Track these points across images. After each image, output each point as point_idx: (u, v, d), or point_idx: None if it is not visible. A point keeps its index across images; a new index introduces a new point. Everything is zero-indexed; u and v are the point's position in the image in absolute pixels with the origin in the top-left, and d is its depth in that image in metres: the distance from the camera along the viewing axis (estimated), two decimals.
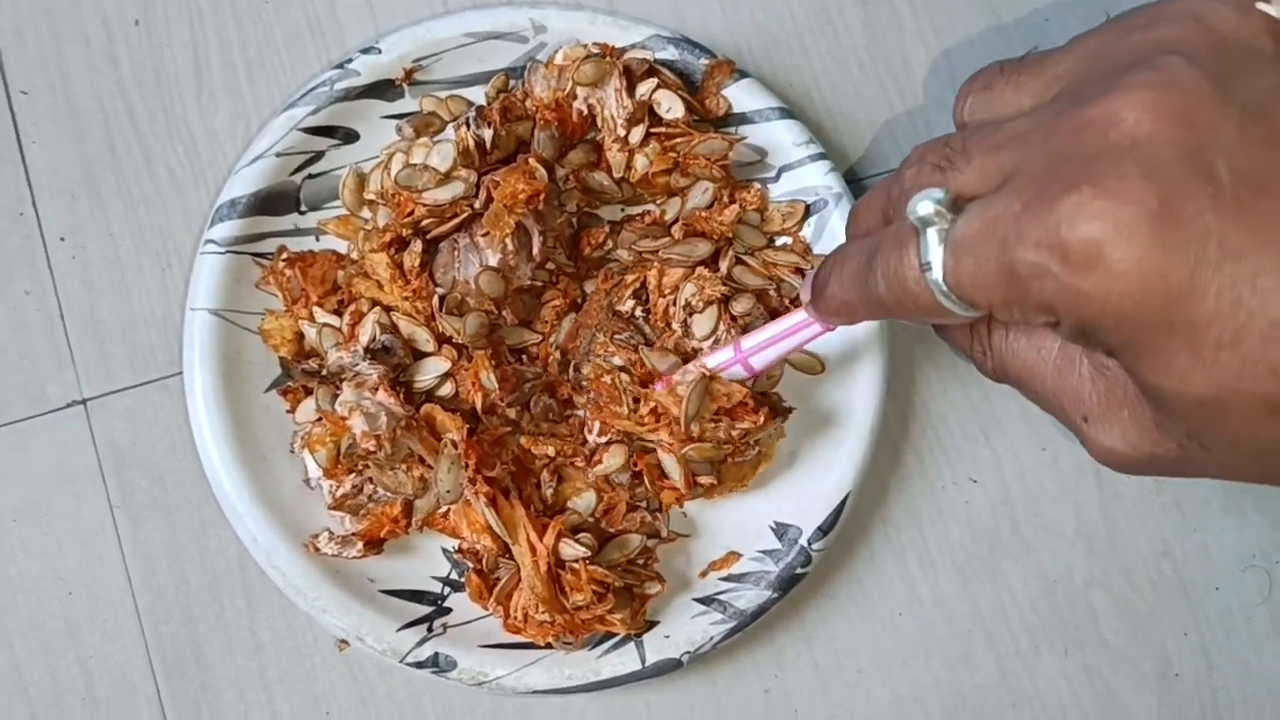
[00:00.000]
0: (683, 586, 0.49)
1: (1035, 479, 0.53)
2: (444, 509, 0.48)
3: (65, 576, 0.50)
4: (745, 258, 0.50)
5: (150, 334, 0.51)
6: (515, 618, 0.47)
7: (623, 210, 0.51)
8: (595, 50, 0.49)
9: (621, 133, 0.49)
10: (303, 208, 0.50)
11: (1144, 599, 0.53)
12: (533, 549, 0.46)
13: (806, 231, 0.51)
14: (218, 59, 0.52)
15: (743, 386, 0.46)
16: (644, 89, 0.49)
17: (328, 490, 0.48)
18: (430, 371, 0.48)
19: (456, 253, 0.48)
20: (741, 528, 0.50)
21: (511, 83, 0.50)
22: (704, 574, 0.50)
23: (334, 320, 0.48)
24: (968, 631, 0.52)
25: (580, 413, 0.49)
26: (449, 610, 0.49)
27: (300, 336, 0.49)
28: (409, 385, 0.48)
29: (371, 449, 0.45)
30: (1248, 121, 0.30)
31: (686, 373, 0.46)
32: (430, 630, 0.48)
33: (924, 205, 0.34)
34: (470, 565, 0.48)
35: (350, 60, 0.49)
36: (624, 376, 0.47)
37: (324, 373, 0.47)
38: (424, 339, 0.48)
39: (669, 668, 0.48)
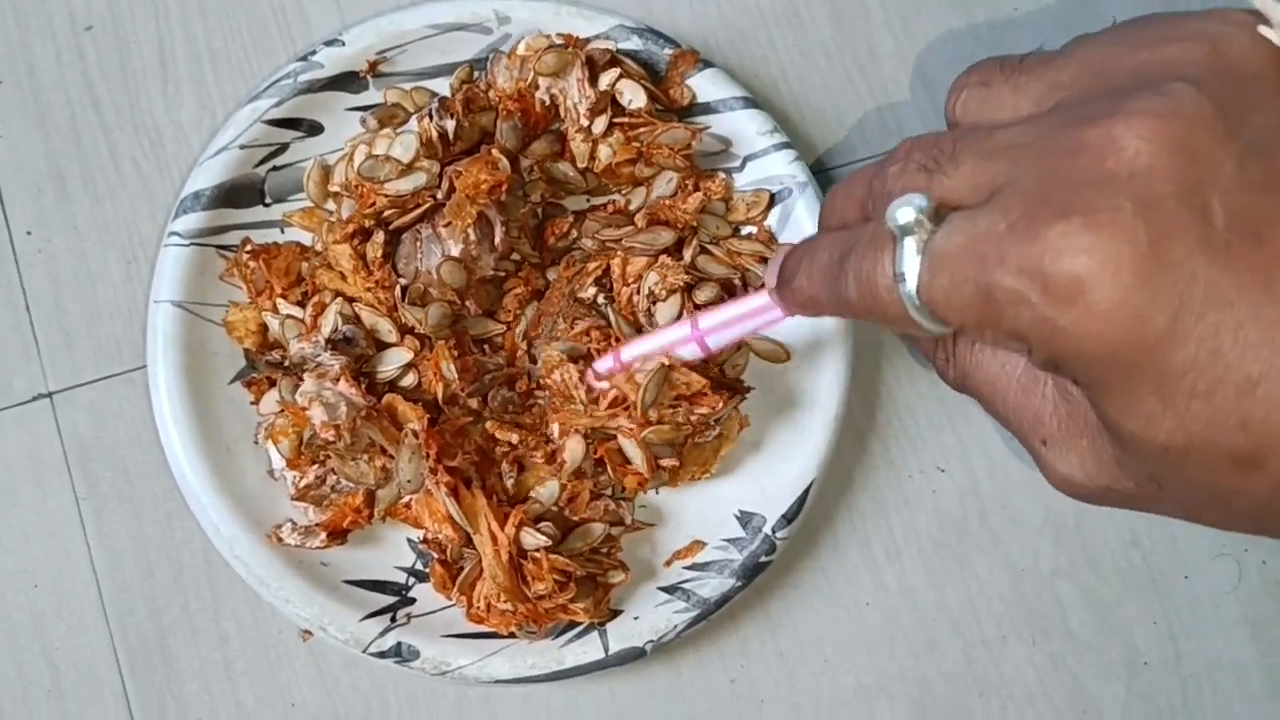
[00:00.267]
0: (647, 575, 0.49)
1: (1003, 469, 0.53)
2: (406, 499, 0.48)
3: (31, 569, 0.50)
4: (710, 247, 0.50)
5: (115, 327, 0.51)
6: (478, 607, 0.47)
7: (588, 200, 0.51)
8: (558, 41, 0.49)
9: (585, 123, 0.49)
10: (267, 200, 0.50)
11: (1112, 588, 0.53)
12: (494, 538, 0.46)
13: (771, 221, 0.51)
14: (183, 52, 0.52)
15: (702, 378, 0.45)
16: (607, 79, 0.49)
17: (291, 481, 0.48)
18: (393, 362, 0.48)
19: (419, 243, 0.48)
20: (706, 516, 0.50)
21: (476, 74, 0.51)
22: (669, 563, 0.50)
23: (297, 312, 0.48)
24: (934, 620, 0.52)
25: (542, 401, 0.49)
26: (413, 600, 0.49)
27: (264, 328, 0.49)
28: (372, 376, 0.48)
29: (331, 439, 0.45)
30: (1248, 160, 0.29)
31: (647, 360, 0.45)
32: (394, 620, 0.48)
33: (905, 212, 0.32)
34: (435, 556, 0.48)
35: (314, 52, 0.49)
36: (571, 369, 0.47)
37: (287, 364, 0.48)
38: (387, 330, 0.48)
39: (632, 656, 0.48)
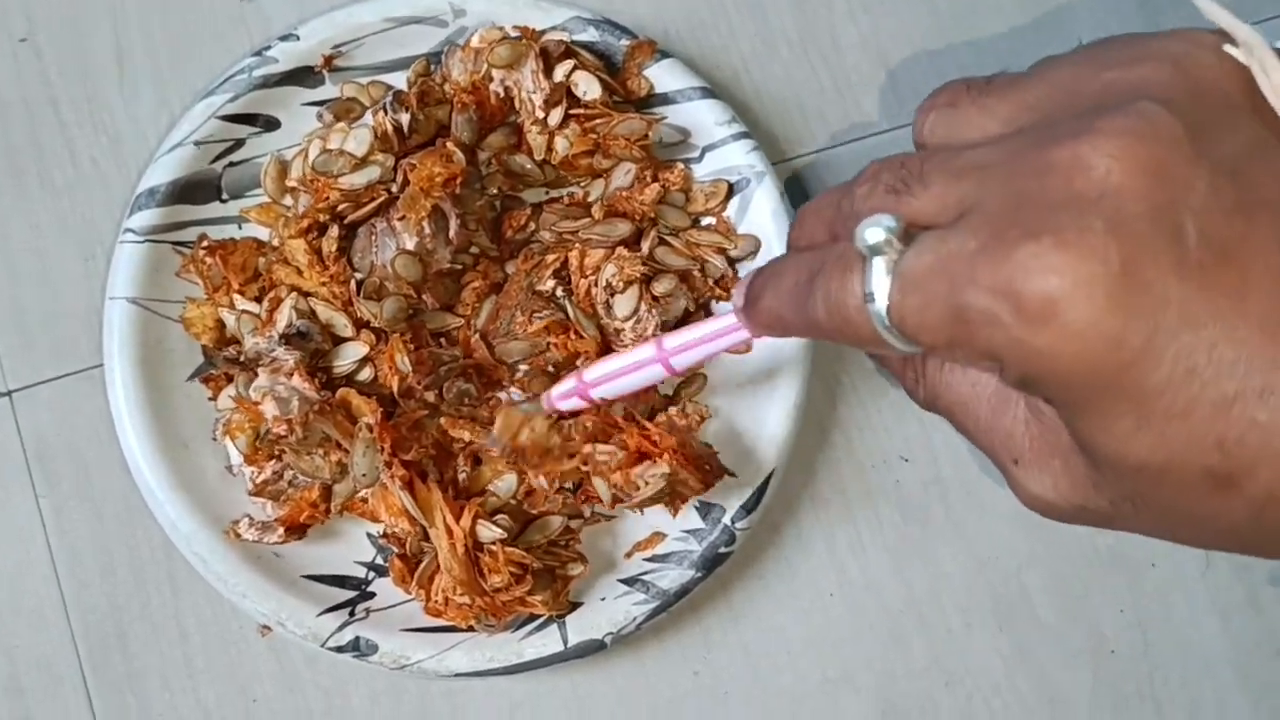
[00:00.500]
0: (608, 568, 0.49)
1: (967, 457, 0.53)
2: (362, 493, 0.47)
3: None
4: (669, 238, 0.50)
5: (74, 325, 0.51)
6: (436, 601, 0.47)
7: (546, 193, 0.51)
8: (512, 33, 0.49)
9: (540, 115, 0.49)
10: (224, 196, 0.50)
11: (1079, 576, 0.53)
12: (449, 531, 0.46)
13: (730, 211, 0.50)
14: (140, 47, 0.52)
15: (699, 483, 0.46)
16: (561, 71, 0.49)
17: (249, 477, 0.48)
18: (349, 356, 0.48)
19: (374, 237, 0.48)
20: None
21: (432, 68, 0.50)
22: (629, 555, 0.49)
23: (254, 307, 0.48)
24: (899, 611, 0.52)
25: (502, 395, 0.49)
26: (373, 595, 0.49)
27: (221, 324, 0.49)
28: (329, 371, 0.48)
29: (283, 433, 0.45)
30: (1219, 180, 0.29)
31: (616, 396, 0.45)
32: (352, 615, 0.48)
33: (874, 232, 0.31)
34: (394, 550, 0.48)
35: (269, 47, 0.49)
36: (539, 423, 0.47)
37: (243, 359, 0.47)
38: (342, 324, 0.48)
39: (592, 649, 0.48)
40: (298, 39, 0.49)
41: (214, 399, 0.49)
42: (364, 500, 0.48)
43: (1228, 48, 0.31)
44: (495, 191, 0.50)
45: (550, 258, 0.50)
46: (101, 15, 0.52)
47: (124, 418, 0.48)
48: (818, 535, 0.52)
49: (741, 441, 0.50)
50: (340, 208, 0.47)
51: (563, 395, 0.45)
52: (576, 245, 0.49)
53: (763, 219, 0.50)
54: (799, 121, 0.54)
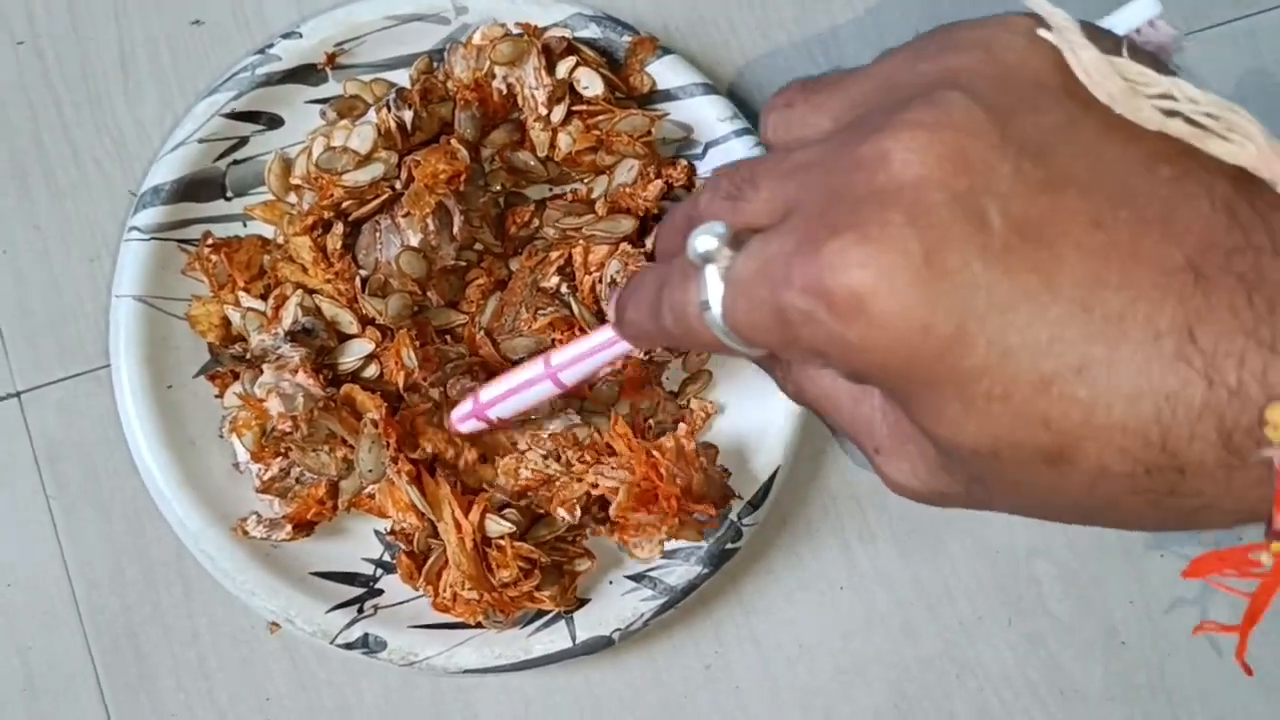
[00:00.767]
0: (615, 564, 0.49)
1: None
2: (369, 489, 0.48)
3: (2, 569, 0.50)
4: None
5: (80, 325, 0.51)
6: (444, 596, 0.47)
7: (550, 189, 0.51)
8: (514, 30, 0.49)
9: (543, 111, 0.49)
10: (229, 194, 0.50)
11: (1087, 567, 0.53)
12: (458, 526, 0.46)
13: None
14: (143, 49, 0.52)
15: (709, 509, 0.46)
16: (564, 67, 0.49)
17: (256, 474, 0.48)
18: (354, 353, 0.48)
19: (378, 234, 0.48)
20: None
21: (434, 65, 0.50)
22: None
23: (259, 305, 0.48)
24: (909, 603, 0.52)
25: None
26: (381, 592, 0.49)
27: (227, 322, 0.49)
28: (334, 368, 0.48)
29: (288, 430, 0.45)
30: (1024, 163, 0.29)
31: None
32: (361, 611, 0.48)
33: (703, 240, 0.32)
34: (401, 547, 0.48)
35: (271, 45, 0.49)
36: (532, 456, 0.48)
37: (249, 357, 0.48)
38: (347, 321, 0.48)
39: (600, 645, 0.48)
40: (300, 37, 0.49)
41: (220, 396, 0.49)
42: (371, 497, 0.48)
43: (1040, 31, 0.31)
44: (499, 188, 0.50)
45: (554, 254, 0.50)
46: (104, 17, 0.52)
47: (131, 416, 0.48)
48: (827, 528, 0.52)
49: (748, 436, 0.50)
50: (344, 205, 0.47)
51: (461, 418, 0.46)
52: (580, 241, 0.49)
53: None
54: None
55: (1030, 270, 0.28)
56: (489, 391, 0.45)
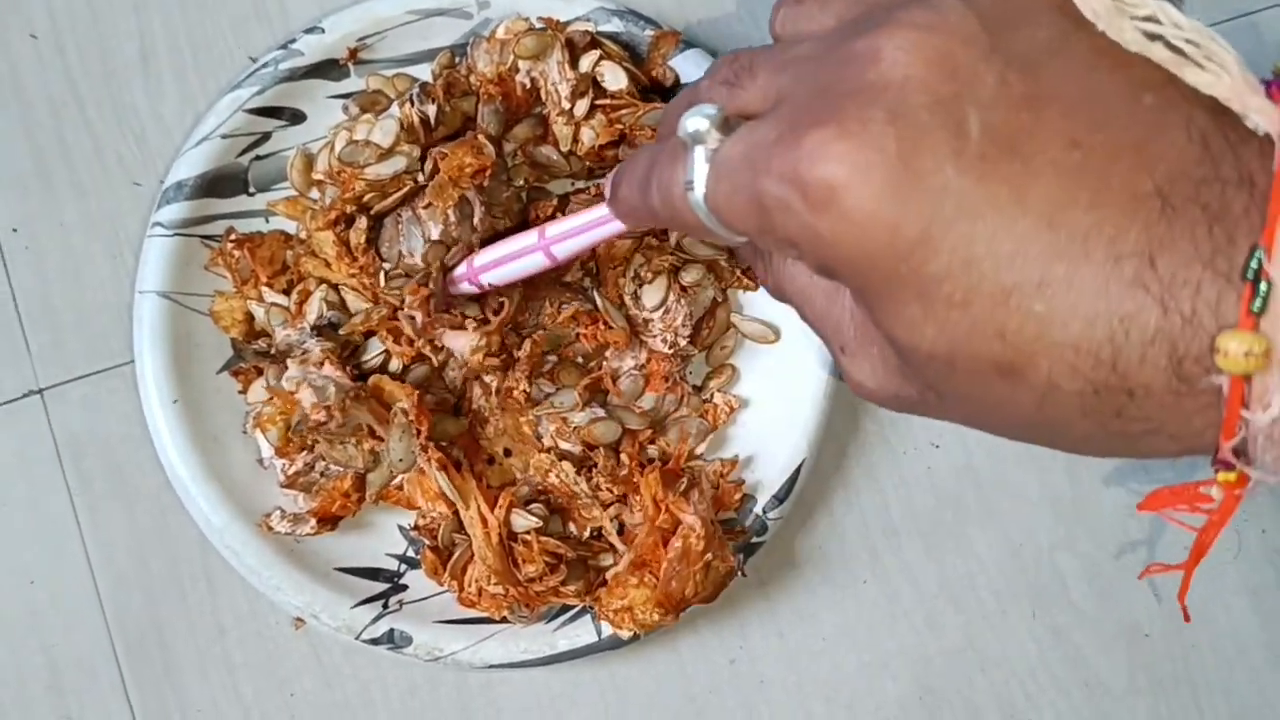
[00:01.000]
0: None
1: (997, 442, 0.52)
2: (398, 480, 0.47)
3: (26, 567, 0.50)
4: None
5: (104, 322, 0.51)
6: (469, 591, 0.47)
7: (573, 184, 0.51)
8: (537, 24, 0.49)
9: (566, 106, 0.49)
10: (251, 189, 0.50)
11: (1110, 560, 0.52)
12: (484, 520, 0.46)
13: None
14: (164, 45, 0.52)
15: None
16: (587, 61, 0.49)
17: (280, 469, 0.48)
18: (378, 347, 0.48)
19: (400, 227, 0.48)
20: None
21: (457, 60, 0.50)
22: None
23: (282, 300, 0.48)
24: (933, 596, 0.52)
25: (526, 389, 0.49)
26: (405, 587, 0.49)
27: (250, 317, 0.49)
28: (359, 362, 0.48)
29: (322, 420, 0.45)
30: (1011, 74, 0.29)
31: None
32: (386, 607, 0.48)
33: (695, 120, 0.32)
34: (426, 542, 0.48)
35: (294, 40, 0.49)
36: (566, 468, 0.48)
37: (273, 352, 0.48)
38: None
39: (625, 640, 0.48)
40: (323, 32, 0.49)
41: (244, 392, 0.49)
42: (399, 488, 0.48)
43: None
44: (522, 183, 0.50)
45: None
46: (125, 13, 0.52)
47: (156, 412, 0.48)
48: (850, 522, 0.52)
49: (772, 430, 0.50)
50: (366, 198, 0.47)
51: (455, 279, 0.47)
52: None
53: None
54: None
55: (1002, 181, 0.28)
56: (483, 256, 0.46)
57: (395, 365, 0.48)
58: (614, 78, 0.49)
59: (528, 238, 0.44)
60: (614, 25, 0.50)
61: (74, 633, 0.50)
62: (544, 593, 0.47)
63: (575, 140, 0.49)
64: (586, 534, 0.49)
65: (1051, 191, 0.28)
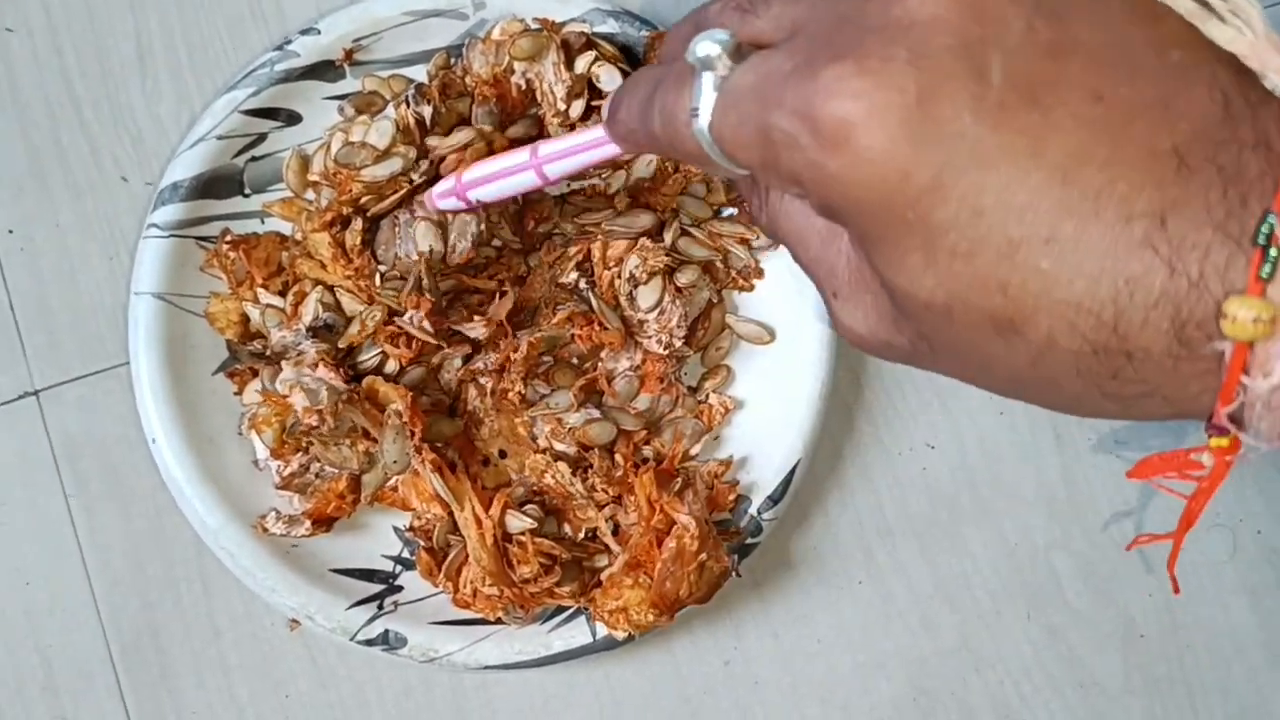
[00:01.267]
0: None
1: (993, 443, 0.52)
2: (392, 481, 0.47)
3: (22, 568, 0.50)
4: (691, 229, 0.50)
5: (100, 323, 0.51)
6: (464, 592, 0.47)
7: (568, 185, 0.51)
8: (533, 25, 0.49)
9: (562, 107, 0.49)
10: (247, 190, 0.50)
11: (1106, 560, 0.53)
12: (478, 521, 0.46)
13: None
14: (160, 46, 0.52)
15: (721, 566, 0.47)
16: (583, 62, 0.49)
17: (275, 470, 0.48)
18: (374, 349, 0.48)
19: (397, 229, 0.48)
20: None
21: (453, 61, 0.50)
22: None
23: (278, 301, 0.48)
24: (928, 597, 0.52)
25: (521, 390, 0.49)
26: (400, 588, 0.49)
27: (246, 319, 0.49)
28: (353, 364, 0.48)
29: (314, 424, 0.45)
30: (1038, 21, 0.28)
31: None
32: (381, 608, 0.48)
33: (705, 46, 0.31)
34: (420, 543, 0.48)
35: (289, 41, 0.49)
36: (562, 468, 0.47)
37: (268, 354, 0.48)
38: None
39: (620, 641, 0.48)
40: (318, 33, 0.49)
41: (239, 394, 0.49)
42: (394, 489, 0.48)
43: None
44: None
45: (573, 250, 0.49)
46: (121, 13, 0.52)
47: (151, 414, 0.48)
48: (845, 523, 0.52)
49: (767, 431, 0.50)
50: (363, 200, 0.47)
51: (443, 194, 0.46)
52: (599, 237, 0.49)
53: None
54: None
55: (1020, 132, 0.27)
56: (473, 172, 0.44)
57: (392, 366, 0.48)
58: (609, 79, 0.49)
59: (519, 155, 0.43)
60: (609, 26, 0.50)
61: (70, 634, 0.50)
62: (539, 594, 0.47)
63: None
64: (581, 535, 0.49)
65: (1069, 145, 0.27)
